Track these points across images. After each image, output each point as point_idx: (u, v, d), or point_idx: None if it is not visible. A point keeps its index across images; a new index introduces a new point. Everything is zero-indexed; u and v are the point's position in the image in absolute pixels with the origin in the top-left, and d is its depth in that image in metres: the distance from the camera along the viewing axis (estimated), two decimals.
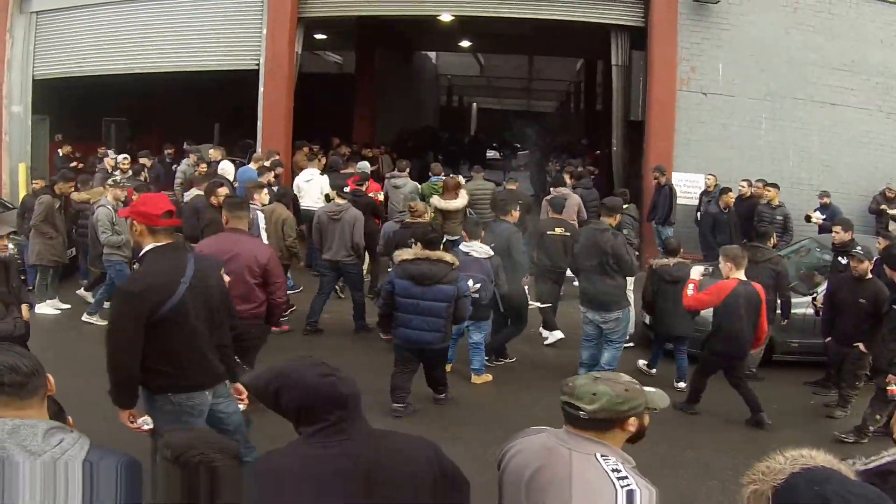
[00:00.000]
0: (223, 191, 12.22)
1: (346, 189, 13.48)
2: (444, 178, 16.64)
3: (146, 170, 18.06)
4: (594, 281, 10.31)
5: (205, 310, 6.00)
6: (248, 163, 17.07)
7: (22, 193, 19.43)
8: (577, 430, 3.39)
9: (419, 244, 9.53)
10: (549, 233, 12.52)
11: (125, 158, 18.16)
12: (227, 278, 6.55)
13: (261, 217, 11.85)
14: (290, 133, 19.34)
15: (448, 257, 9.27)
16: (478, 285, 9.93)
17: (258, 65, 19.17)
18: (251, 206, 10.58)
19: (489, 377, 11.14)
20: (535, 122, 42.65)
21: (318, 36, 28.68)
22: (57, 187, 14.40)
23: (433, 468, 3.32)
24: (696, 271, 10.03)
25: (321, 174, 16.81)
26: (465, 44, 32.08)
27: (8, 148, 21.55)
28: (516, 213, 11.90)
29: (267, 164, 15.86)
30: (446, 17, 21.70)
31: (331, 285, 13.17)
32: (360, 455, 3.19)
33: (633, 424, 3.40)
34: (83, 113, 23.58)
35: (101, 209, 12.68)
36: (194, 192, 13.94)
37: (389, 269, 10.35)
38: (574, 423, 3.39)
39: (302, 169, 17.50)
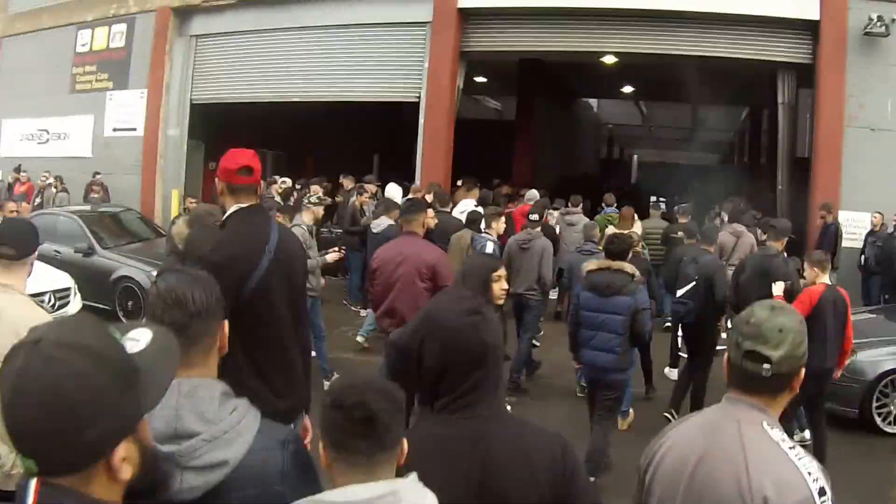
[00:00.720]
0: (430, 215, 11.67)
1: (534, 217, 12.81)
2: (617, 209, 16.71)
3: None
4: None
5: (288, 294, 5.13)
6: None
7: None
8: (744, 395, 3.00)
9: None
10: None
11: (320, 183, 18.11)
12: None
13: (489, 246, 11.84)
14: (449, 166, 19.48)
15: (629, 268, 8.85)
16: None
17: (419, 97, 19.39)
18: (485, 234, 11.64)
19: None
20: (697, 175, 42.25)
21: (479, 79, 28.94)
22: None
23: (556, 471, 2.90)
24: (779, 287, 9.72)
25: (476, 206, 16.84)
26: (628, 89, 32.07)
27: (162, 172, 22.38)
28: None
29: (428, 195, 15.69)
30: (609, 59, 21.75)
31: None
32: (479, 441, 2.88)
33: (799, 380, 3.00)
34: (238, 142, 23.69)
35: (296, 229, 11.35)
36: (384, 220, 13.89)
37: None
38: (748, 383, 2.98)
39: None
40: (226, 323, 3.01)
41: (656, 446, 3.21)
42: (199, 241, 5.69)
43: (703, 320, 10.56)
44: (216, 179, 4.97)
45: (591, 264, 9.14)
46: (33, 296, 9.36)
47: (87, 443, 1.80)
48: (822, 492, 2.76)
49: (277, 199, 17.18)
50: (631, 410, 10.27)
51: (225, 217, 5.09)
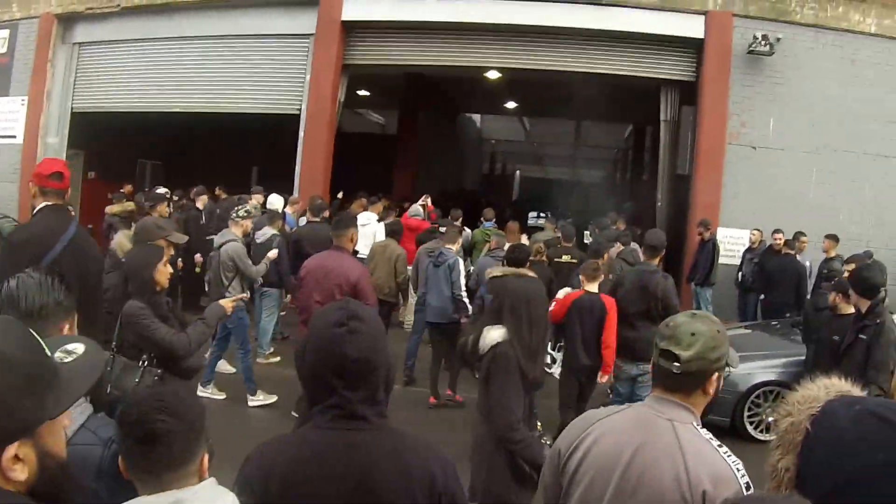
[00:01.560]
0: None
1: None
2: (496, 224, 16.92)
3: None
4: (639, 328, 9.84)
5: (79, 281, 5.36)
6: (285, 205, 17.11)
7: None
8: (667, 394, 3.34)
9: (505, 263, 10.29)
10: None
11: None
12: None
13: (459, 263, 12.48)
14: (328, 180, 19.39)
15: (531, 273, 8.99)
16: None
17: (300, 110, 19.29)
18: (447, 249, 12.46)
19: None
20: (579, 191, 42.68)
21: (362, 92, 28.93)
22: (159, 210, 13.98)
23: (435, 490, 2.90)
24: (563, 291, 10.57)
25: (378, 220, 16.89)
26: (511, 105, 32.26)
27: None
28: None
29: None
30: (493, 75, 21.84)
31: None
32: (354, 451, 2.86)
33: (714, 384, 3.33)
34: (118, 151, 23.69)
35: (232, 244, 11.77)
36: (268, 231, 13.73)
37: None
38: (665, 381, 3.34)
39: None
40: (73, 321, 3.15)
41: (582, 434, 3.41)
42: (143, 256, 6.17)
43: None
44: (30, 183, 5.91)
45: (494, 270, 9.18)
46: None
47: None
48: (748, 486, 3.05)
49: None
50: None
51: (35, 211, 5.99)
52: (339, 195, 19.63)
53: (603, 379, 10.32)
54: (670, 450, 3.16)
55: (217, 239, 12.19)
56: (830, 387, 2.39)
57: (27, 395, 1.92)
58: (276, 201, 16.58)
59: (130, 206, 17.63)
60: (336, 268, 9.04)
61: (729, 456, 3.16)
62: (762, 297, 16.34)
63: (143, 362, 5.77)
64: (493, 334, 5.53)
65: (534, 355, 5.51)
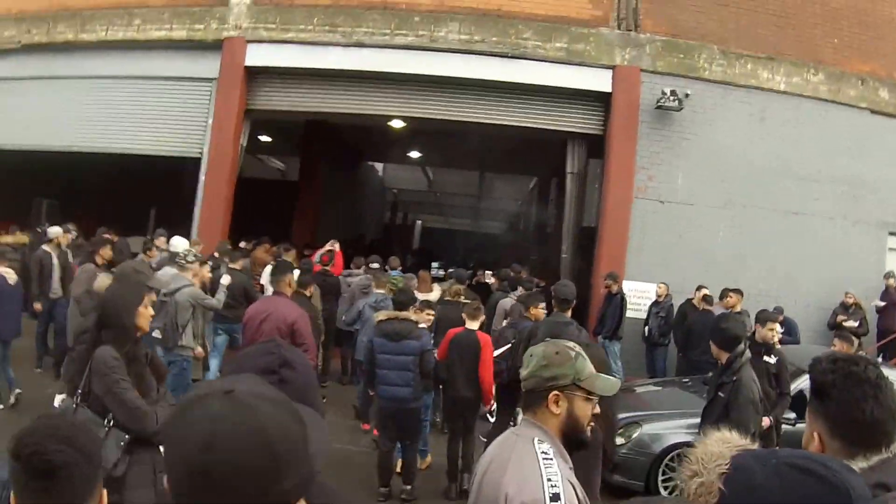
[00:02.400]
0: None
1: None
2: (401, 272, 16.94)
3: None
4: None
5: None
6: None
7: None
8: (526, 414, 3.74)
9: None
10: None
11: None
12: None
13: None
14: (227, 225, 19.21)
15: (413, 316, 10.54)
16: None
17: (201, 153, 19.14)
18: None
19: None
20: (481, 242, 42.75)
21: (263, 138, 28.86)
22: (101, 254, 14.13)
23: None
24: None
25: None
26: (415, 154, 32.31)
27: None
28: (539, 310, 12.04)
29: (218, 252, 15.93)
30: (397, 124, 21.82)
31: None
32: None
33: (557, 404, 3.62)
34: (11, 187, 22.92)
35: (188, 289, 11.66)
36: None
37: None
38: (523, 402, 3.79)
39: (264, 264, 16.91)
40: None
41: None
42: (122, 298, 5.88)
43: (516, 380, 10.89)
44: None
45: (380, 314, 10.71)
46: None
47: (282, 492, 1.78)
48: (554, 497, 3.29)
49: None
50: (429, 453, 11.79)
51: None
52: (242, 244, 19.36)
53: (484, 409, 11.32)
54: (503, 461, 3.53)
55: (170, 285, 11.86)
56: (728, 441, 2.36)
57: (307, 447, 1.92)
58: (179, 244, 16.04)
59: (24, 238, 17.45)
60: (275, 311, 9.64)
61: (549, 467, 3.38)
62: (680, 354, 16.38)
63: (110, 422, 5.50)
64: None
65: (614, 432, 5.42)
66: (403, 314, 10.51)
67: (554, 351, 3.69)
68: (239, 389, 1.80)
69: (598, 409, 3.75)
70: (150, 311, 5.96)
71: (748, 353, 8.08)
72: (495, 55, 17.89)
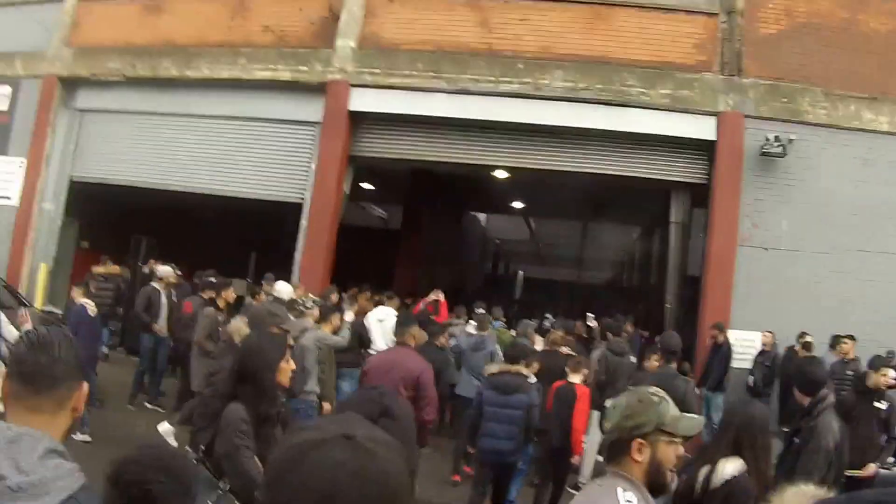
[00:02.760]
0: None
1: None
2: (505, 324, 16.98)
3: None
4: None
5: None
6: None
7: (40, 295, 19.73)
8: (610, 465, 3.76)
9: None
10: None
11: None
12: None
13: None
14: (328, 271, 19.25)
15: (525, 370, 10.80)
16: None
17: (303, 199, 19.26)
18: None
19: None
20: (584, 293, 42.55)
21: (367, 186, 28.92)
22: (225, 297, 14.42)
23: None
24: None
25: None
26: (517, 205, 32.25)
27: (33, 245, 21.78)
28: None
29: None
30: (500, 174, 21.82)
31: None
32: None
33: (640, 452, 3.64)
34: (113, 224, 23.70)
35: (313, 332, 12.04)
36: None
37: None
38: (606, 454, 3.82)
39: (365, 312, 17.09)
40: (85, 386, 3.00)
41: None
42: (264, 353, 5.66)
43: None
44: None
45: (492, 367, 11.15)
46: None
47: None
48: None
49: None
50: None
51: None
52: (349, 292, 19.43)
53: (574, 458, 11.42)
54: None
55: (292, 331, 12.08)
56: (805, 493, 2.35)
57: None
58: (283, 289, 16.03)
59: (115, 269, 17.86)
60: (400, 363, 9.66)
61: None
62: (781, 403, 16.03)
63: (225, 488, 5.41)
64: (729, 468, 5.38)
65: (768, 489, 5.33)
66: (515, 368, 10.73)
67: (636, 399, 3.74)
68: (360, 435, 1.80)
69: (681, 451, 3.75)
70: (292, 365, 5.79)
71: (831, 399, 7.70)
72: (600, 102, 17.82)
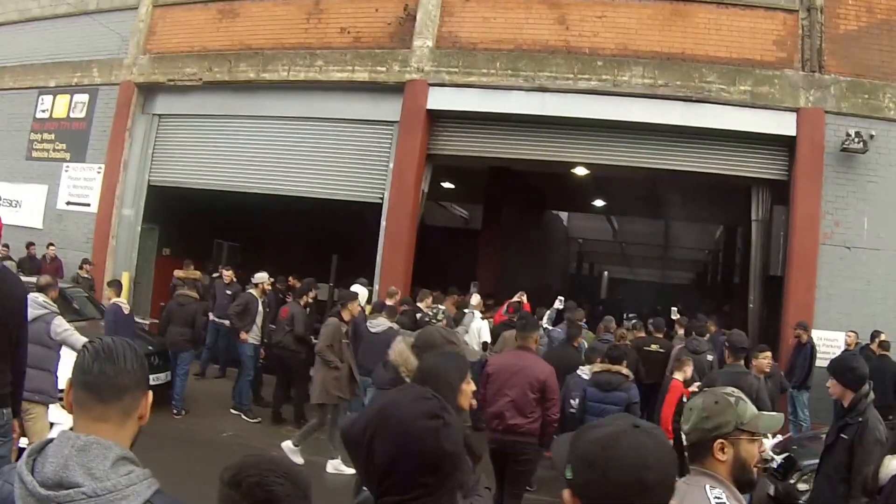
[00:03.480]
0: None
1: None
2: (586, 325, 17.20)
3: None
4: None
5: (4, 320, 6.90)
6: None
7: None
8: (694, 465, 3.78)
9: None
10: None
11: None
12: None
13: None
14: (409, 272, 19.37)
15: (625, 370, 11.32)
16: None
17: (383, 199, 19.43)
18: None
19: None
20: (667, 293, 42.26)
21: (447, 185, 29.08)
22: (349, 308, 14.25)
23: None
24: None
25: (482, 318, 17.04)
26: (599, 203, 32.22)
27: (114, 253, 22.22)
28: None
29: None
30: (580, 171, 21.85)
31: None
32: None
33: (723, 451, 3.70)
34: (193, 229, 23.97)
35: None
36: (384, 322, 14.31)
37: None
38: (689, 454, 3.83)
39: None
40: (150, 394, 3.02)
41: None
42: (447, 376, 5.17)
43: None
44: None
45: (595, 366, 11.50)
46: None
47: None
48: None
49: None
50: None
51: None
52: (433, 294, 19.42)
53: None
54: None
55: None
56: None
57: None
58: (360, 292, 16.20)
59: (196, 274, 18.17)
60: (527, 367, 10.04)
61: (719, 499, 3.53)
62: None
63: None
64: (894, 464, 5.48)
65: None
66: (616, 367, 11.22)
67: (713, 401, 3.77)
68: (642, 425, 2.52)
69: (765, 447, 3.82)
70: (472, 386, 5.43)
71: (872, 395, 7.66)
72: (678, 99, 17.81)
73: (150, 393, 3.02)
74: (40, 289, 10.50)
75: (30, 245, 21.96)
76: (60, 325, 9.96)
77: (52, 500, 2.58)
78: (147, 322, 19.84)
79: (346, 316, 14.09)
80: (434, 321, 12.84)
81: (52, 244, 21.71)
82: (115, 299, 14.53)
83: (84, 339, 9.30)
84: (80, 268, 20.96)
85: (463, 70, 18.99)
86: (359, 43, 20.00)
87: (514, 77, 18.63)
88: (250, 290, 17.44)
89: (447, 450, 2.71)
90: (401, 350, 6.52)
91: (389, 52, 19.58)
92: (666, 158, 18.62)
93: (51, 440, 2.77)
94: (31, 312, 8.87)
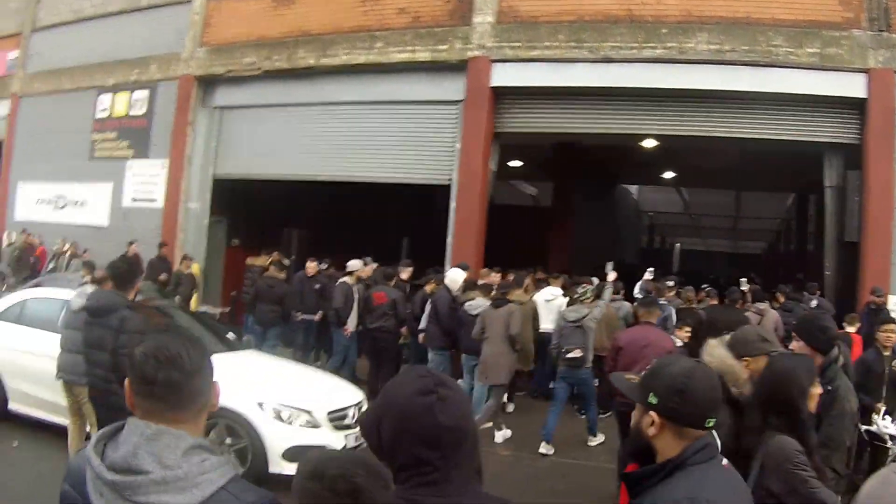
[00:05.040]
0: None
1: None
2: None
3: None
4: None
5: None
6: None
7: (193, 296, 20.30)
8: None
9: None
10: None
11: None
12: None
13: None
14: (481, 252, 19.44)
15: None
16: None
17: (450, 180, 19.51)
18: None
19: None
20: (742, 264, 41.97)
21: (514, 163, 28.99)
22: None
23: None
24: None
25: (564, 295, 17.15)
26: (668, 175, 32.09)
27: (182, 247, 22.59)
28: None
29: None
30: (649, 143, 21.89)
31: None
32: None
33: None
34: (261, 220, 24.20)
35: (592, 315, 13.79)
36: (482, 301, 14.87)
37: None
38: None
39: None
40: (219, 384, 3.05)
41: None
42: (799, 381, 5.31)
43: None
44: None
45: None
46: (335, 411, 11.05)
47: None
48: None
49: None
50: None
51: None
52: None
53: None
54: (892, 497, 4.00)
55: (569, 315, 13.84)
56: None
57: None
58: (457, 276, 16.30)
59: (261, 260, 18.53)
60: (655, 340, 11.05)
61: None
62: None
63: None
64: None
65: None
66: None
67: None
68: (696, 361, 3.60)
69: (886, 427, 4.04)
70: (819, 389, 5.48)
71: (842, 360, 7.03)
72: (746, 64, 17.68)
73: (217, 384, 3.03)
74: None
75: (162, 245, 22.20)
76: None
77: (120, 485, 2.66)
78: (218, 311, 20.10)
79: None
80: (583, 299, 13.99)
81: (133, 242, 21.80)
82: None
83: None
84: (181, 263, 21.34)
85: (525, 44, 18.98)
86: (418, 22, 20.06)
87: (577, 49, 18.58)
88: (344, 280, 17.68)
89: (444, 424, 2.79)
90: (723, 357, 5.95)
91: (450, 30, 19.63)
92: (735, 126, 18.48)
93: (121, 425, 2.84)
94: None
